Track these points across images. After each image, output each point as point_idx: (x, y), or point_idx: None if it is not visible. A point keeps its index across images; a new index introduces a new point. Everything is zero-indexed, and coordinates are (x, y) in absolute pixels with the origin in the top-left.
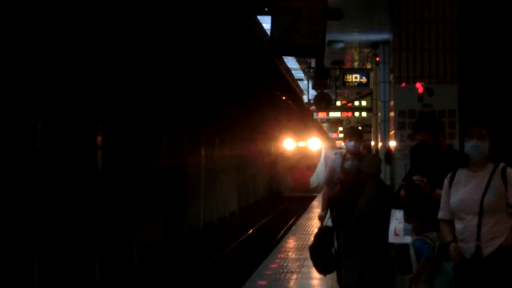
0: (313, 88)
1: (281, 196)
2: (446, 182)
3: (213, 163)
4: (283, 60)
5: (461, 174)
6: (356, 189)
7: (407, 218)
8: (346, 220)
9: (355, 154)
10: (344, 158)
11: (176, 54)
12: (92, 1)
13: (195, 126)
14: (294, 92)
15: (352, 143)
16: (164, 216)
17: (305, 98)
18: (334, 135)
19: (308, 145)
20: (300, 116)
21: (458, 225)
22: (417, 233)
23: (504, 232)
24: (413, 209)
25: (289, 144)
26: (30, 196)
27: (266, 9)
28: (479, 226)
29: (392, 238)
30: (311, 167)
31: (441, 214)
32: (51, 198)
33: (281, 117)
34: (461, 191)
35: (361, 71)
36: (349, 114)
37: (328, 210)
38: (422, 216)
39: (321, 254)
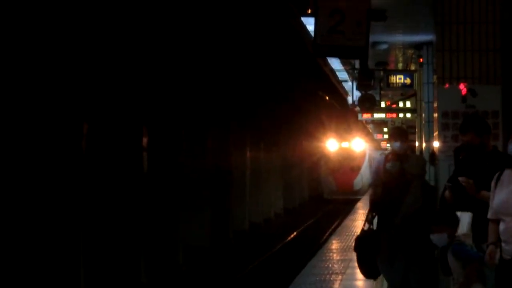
0: (357, 89)
1: (324, 199)
2: (493, 182)
3: (259, 164)
4: (327, 61)
5: (506, 174)
6: (398, 190)
7: (437, 229)
8: (389, 222)
9: (401, 155)
10: (386, 159)
11: (223, 57)
12: (137, 11)
13: (241, 127)
14: (338, 93)
15: (398, 144)
16: (210, 217)
17: (349, 99)
18: (379, 136)
19: (351, 146)
20: (344, 117)
21: (501, 226)
22: (451, 239)
23: None
24: (459, 209)
25: (332, 145)
26: (77, 198)
27: (309, 11)
28: None
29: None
30: (355, 169)
31: (489, 214)
32: (98, 200)
33: (325, 118)
34: (504, 192)
35: (405, 72)
36: (394, 115)
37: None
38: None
39: (367, 258)
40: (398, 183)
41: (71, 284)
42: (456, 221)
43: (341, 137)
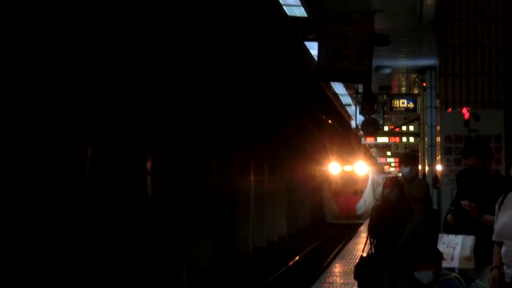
0: (361, 113)
1: (326, 223)
2: (496, 205)
3: (262, 187)
4: (330, 85)
5: (509, 198)
6: (395, 215)
7: (424, 266)
8: (390, 247)
9: (409, 180)
10: (385, 185)
11: (227, 81)
12: (147, 36)
13: (244, 151)
14: (342, 117)
15: (407, 169)
16: (214, 240)
17: (353, 123)
18: (382, 160)
19: (354, 170)
20: (347, 140)
21: (503, 249)
22: (435, 277)
23: None
24: (461, 232)
25: (335, 168)
26: (81, 220)
27: (312, 35)
28: None
29: None
30: (358, 193)
31: (493, 237)
32: (101, 223)
33: (328, 141)
34: (506, 215)
35: (408, 96)
36: (397, 139)
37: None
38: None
39: (368, 285)
40: (397, 208)
41: None
42: (440, 257)
43: (344, 160)
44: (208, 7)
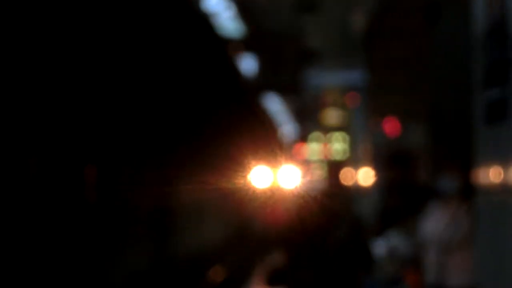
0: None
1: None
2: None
3: (196, 199)
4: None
5: (431, 206)
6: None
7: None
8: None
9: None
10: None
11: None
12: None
13: (179, 164)
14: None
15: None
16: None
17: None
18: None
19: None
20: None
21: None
22: None
23: None
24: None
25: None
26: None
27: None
28: None
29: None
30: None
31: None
32: (42, 231)
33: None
34: (428, 222)
35: (339, 110)
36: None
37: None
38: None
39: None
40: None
41: None
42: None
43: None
44: None
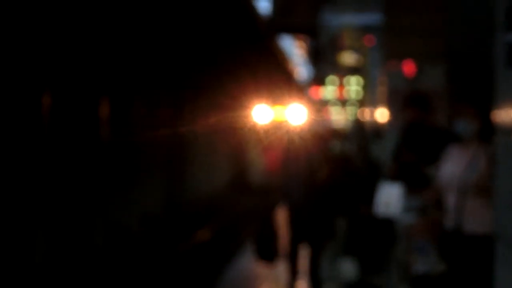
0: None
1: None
2: (441, 157)
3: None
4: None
5: (449, 150)
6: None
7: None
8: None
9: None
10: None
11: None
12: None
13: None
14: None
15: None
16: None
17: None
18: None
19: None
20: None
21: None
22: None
23: None
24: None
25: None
26: (35, 168)
27: None
28: None
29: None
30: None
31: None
32: (55, 169)
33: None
34: (446, 167)
35: (355, 51)
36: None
37: None
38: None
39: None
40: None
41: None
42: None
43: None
44: None
